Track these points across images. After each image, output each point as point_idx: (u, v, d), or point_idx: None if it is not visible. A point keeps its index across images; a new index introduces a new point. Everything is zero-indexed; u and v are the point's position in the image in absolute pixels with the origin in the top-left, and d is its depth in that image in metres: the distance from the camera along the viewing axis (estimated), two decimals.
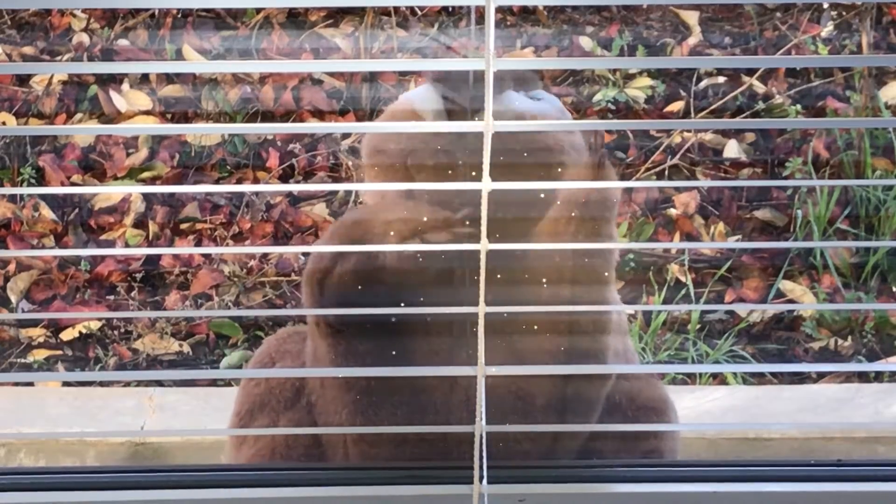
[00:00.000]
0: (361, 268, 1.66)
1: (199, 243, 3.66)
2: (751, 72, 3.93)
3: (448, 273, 1.64)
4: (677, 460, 1.86)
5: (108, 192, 3.84)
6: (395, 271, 1.65)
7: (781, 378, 3.23)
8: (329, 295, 1.69)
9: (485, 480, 1.40)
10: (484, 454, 1.41)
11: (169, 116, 3.94)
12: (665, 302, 3.47)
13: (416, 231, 1.65)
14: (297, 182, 3.79)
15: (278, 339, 1.90)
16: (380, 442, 1.69)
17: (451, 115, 1.70)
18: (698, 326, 3.43)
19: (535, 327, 1.68)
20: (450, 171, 1.67)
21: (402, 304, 1.64)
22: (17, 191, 1.52)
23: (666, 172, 3.76)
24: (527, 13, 4.06)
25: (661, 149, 3.80)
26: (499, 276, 1.46)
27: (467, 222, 1.65)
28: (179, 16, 4.07)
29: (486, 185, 1.29)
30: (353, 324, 1.68)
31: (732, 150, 3.84)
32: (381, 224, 1.68)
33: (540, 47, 4.02)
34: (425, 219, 1.66)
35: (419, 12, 4.00)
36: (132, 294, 3.57)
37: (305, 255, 3.61)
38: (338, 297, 1.69)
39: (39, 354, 3.45)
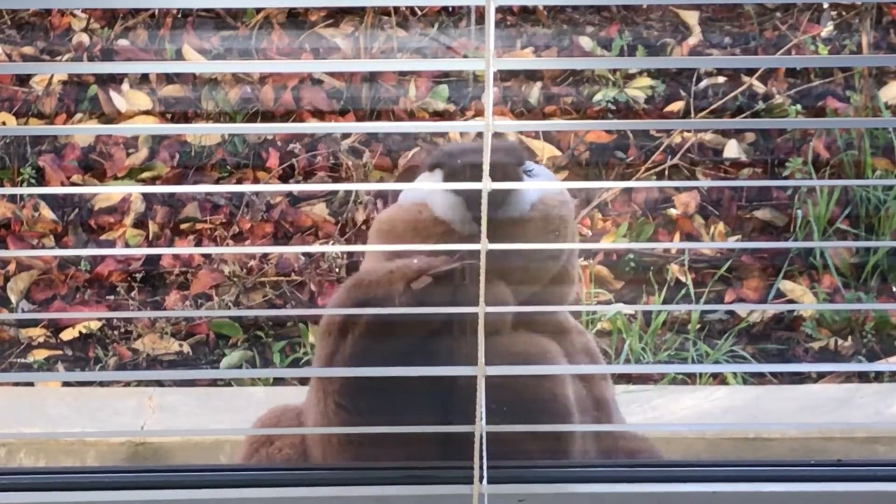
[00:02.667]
0: (373, 320, 1.66)
1: (199, 243, 3.66)
2: (751, 72, 3.93)
3: (448, 324, 1.65)
4: (677, 460, 1.86)
5: (108, 192, 3.84)
6: (402, 324, 1.65)
7: (781, 378, 3.23)
8: (348, 345, 1.68)
9: (485, 480, 1.40)
10: (484, 454, 1.41)
11: (169, 116, 3.94)
12: (665, 302, 3.47)
13: (423, 271, 1.65)
14: (297, 182, 3.79)
15: (272, 418, 1.87)
16: None
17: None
18: (698, 326, 3.43)
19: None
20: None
21: (408, 359, 1.64)
22: (17, 191, 1.52)
23: (666, 172, 3.76)
24: (527, 13, 4.06)
25: (661, 149, 3.80)
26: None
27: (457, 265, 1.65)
28: (179, 16, 4.07)
29: (486, 185, 1.29)
30: (365, 408, 1.67)
31: (732, 150, 3.84)
32: (387, 272, 1.68)
33: (540, 47, 4.02)
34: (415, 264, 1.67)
35: (419, 12, 4.00)
36: (132, 294, 3.57)
37: (305, 255, 3.62)
38: (355, 350, 1.68)
39: (39, 354, 3.45)
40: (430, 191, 1.75)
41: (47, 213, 3.75)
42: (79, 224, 3.75)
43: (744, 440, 2.92)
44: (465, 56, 3.93)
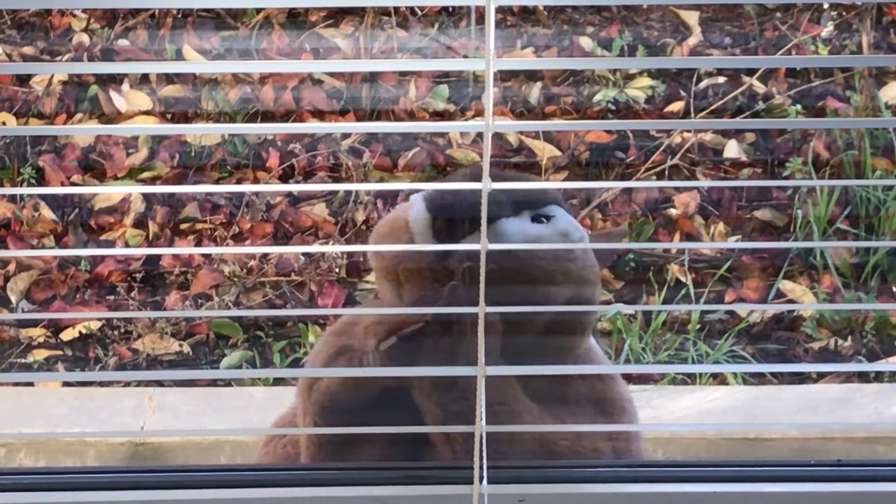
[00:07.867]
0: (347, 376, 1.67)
1: (199, 243, 3.66)
2: (751, 72, 3.93)
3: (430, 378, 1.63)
4: (677, 460, 1.86)
5: (108, 192, 3.84)
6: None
7: (781, 378, 3.23)
8: (315, 401, 1.70)
9: (485, 480, 1.40)
10: (484, 454, 1.41)
11: (169, 116, 3.94)
12: (665, 302, 3.47)
13: (394, 329, 1.64)
14: (297, 182, 3.79)
15: (275, 451, 1.87)
16: None
17: (443, 234, 1.67)
18: (698, 326, 3.43)
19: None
20: (436, 281, 1.66)
21: (389, 410, 1.64)
22: (17, 191, 1.52)
23: (666, 172, 3.76)
24: (527, 13, 4.06)
25: (661, 149, 3.80)
26: None
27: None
28: (179, 16, 4.07)
29: (486, 185, 1.30)
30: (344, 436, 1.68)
31: (732, 150, 3.84)
32: (362, 328, 1.68)
33: (540, 47, 4.02)
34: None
35: (419, 12, 4.00)
36: (132, 294, 3.57)
37: (305, 254, 3.62)
38: (325, 403, 1.69)
39: (39, 354, 3.45)
40: (419, 194, 1.75)
41: (47, 213, 3.75)
42: (79, 224, 3.75)
43: (744, 440, 2.92)
44: (465, 56, 3.93)
